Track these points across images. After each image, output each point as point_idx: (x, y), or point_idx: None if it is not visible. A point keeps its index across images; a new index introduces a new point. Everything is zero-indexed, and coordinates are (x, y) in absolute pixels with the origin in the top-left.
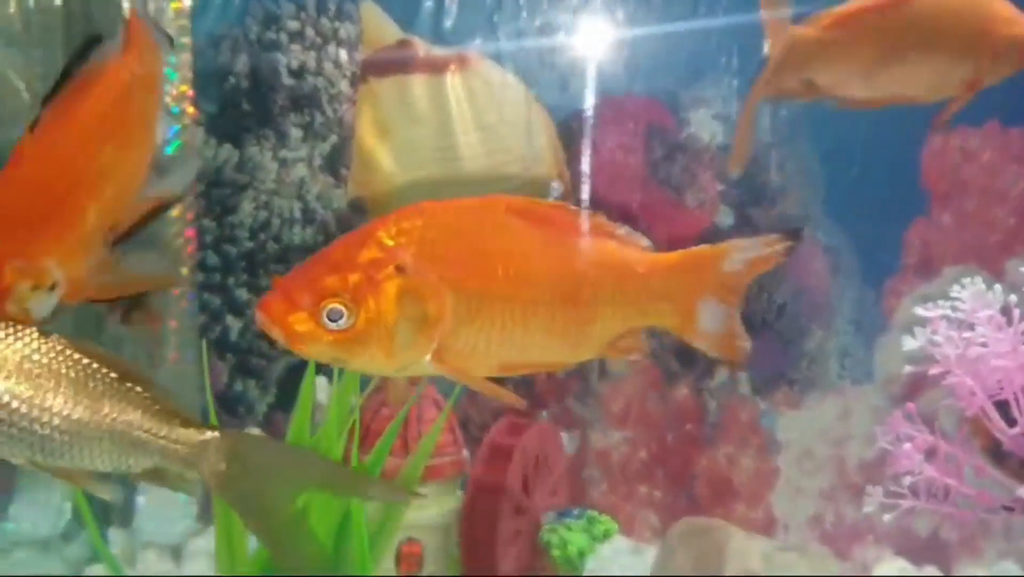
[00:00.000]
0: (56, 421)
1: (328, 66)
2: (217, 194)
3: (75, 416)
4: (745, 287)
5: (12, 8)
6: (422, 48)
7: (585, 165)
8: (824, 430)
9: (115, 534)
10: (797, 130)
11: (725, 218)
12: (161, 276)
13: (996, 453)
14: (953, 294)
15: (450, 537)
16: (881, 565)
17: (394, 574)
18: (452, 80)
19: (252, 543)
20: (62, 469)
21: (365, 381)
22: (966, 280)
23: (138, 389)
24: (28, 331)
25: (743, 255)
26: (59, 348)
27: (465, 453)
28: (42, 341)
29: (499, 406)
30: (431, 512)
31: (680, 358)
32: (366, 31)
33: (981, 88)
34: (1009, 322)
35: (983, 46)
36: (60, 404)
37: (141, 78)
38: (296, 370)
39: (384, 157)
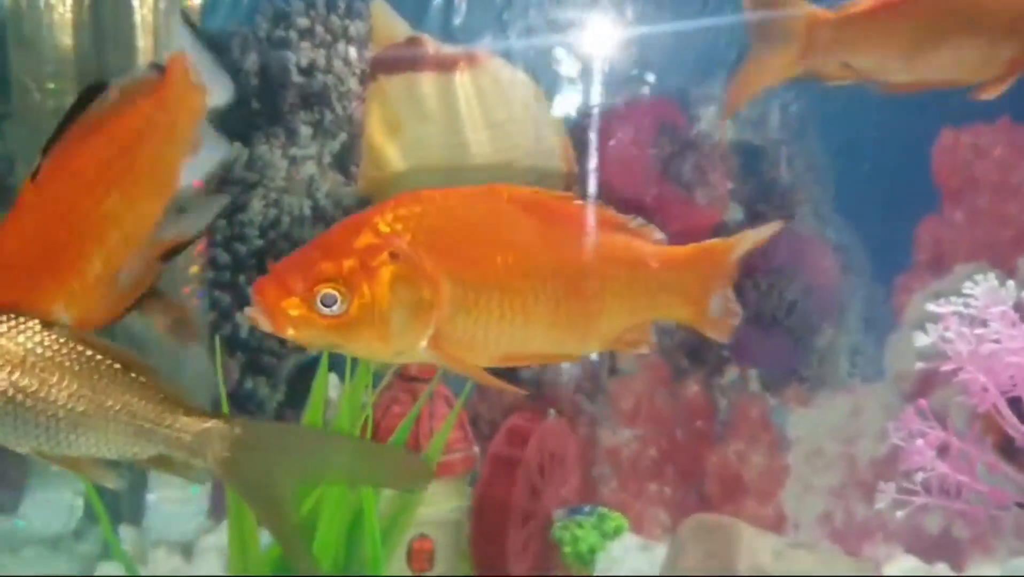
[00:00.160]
0: (61, 412)
1: (338, 64)
2: (227, 192)
3: (79, 407)
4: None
5: (23, 7)
6: (432, 46)
7: (595, 163)
8: (834, 427)
9: (125, 531)
10: (807, 127)
11: (735, 214)
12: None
13: (1009, 450)
14: (966, 290)
15: (461, 533)
16: (892, 563)
17: (404, 570)
18: (461, 78)
19: (265, 539)
20: (68, 458)
21: (377, 379)
22: (979, 276)
23: (142, 379)
24: (32, 323)
25: (749, 244)
26: (63, 339)
27: (475, 450)
28: (46, 333)
29: (509, 404)
30: (442, 508)
31: (690, 355)
32: (376, 29)
33: None
34: (1022, 318)
35: None
36: (64, 395)
37: (160, 125)
38: (306, 368)
39: (393, 155)
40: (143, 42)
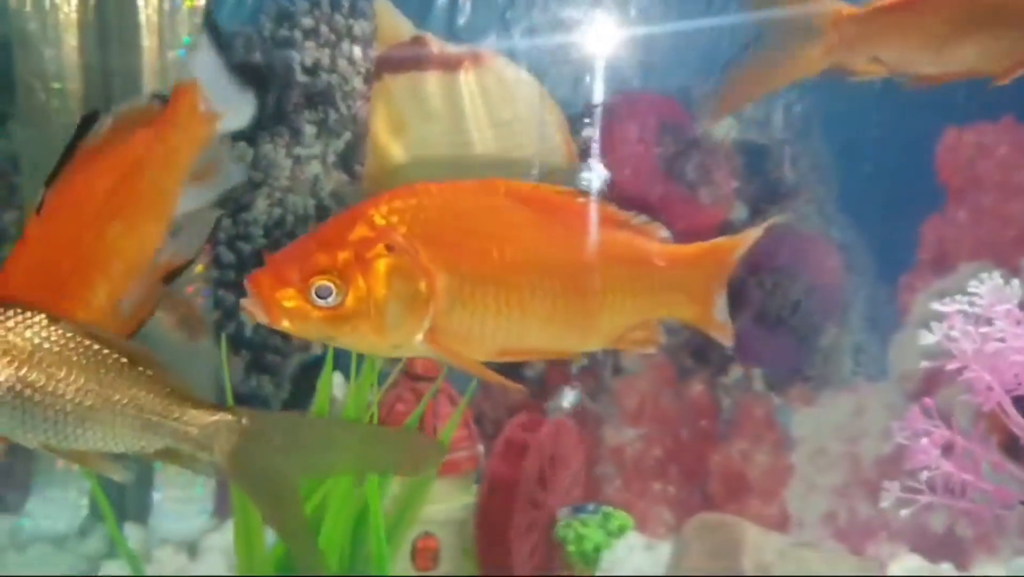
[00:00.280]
0: (68, 406)
1: (342, 63)
2: (231, 191)
3: (87, 401)
4: None
5: (28, 7)
6: (436, 45)
7: (599, 161)
8: (838, 427)
9: (130, 530)
10: (811, 126)
11: (740, 213)
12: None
13: (1013, 448)
14: (971, 289)
15: (466, 532)
16: (896, 562)
17: (409, 569)
18: (466, 77)
19: (270, 538)
20: (75, 452)
21: (382, 377)
22: (984, 275)
23: (149, 372)
24: (39, 318)
25: (750, 242)
26: (69, 334)
27: (480, 448)
28: (53, 328)
29: (514, 401)
30: (447, 507)
31: (694, 355)
32: (380, 28)
33: None
34: None
35: None
36: (72, 389)
37: (160, 153)
38: (310, 367)
39: (398, 153)
40: (148, 42)
